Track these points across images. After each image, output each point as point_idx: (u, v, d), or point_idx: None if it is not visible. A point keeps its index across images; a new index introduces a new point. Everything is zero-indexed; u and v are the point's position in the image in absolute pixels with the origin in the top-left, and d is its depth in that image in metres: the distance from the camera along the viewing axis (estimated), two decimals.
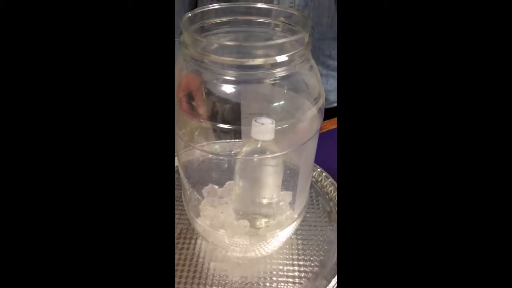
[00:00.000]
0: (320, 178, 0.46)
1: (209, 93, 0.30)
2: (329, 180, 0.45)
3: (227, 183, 0.39)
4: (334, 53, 0.55)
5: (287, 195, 0.38)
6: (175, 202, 0.42)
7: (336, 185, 0.45)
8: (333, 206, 0.43)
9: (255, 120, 0.30)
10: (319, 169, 0.47)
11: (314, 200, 0.44)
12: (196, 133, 0.34)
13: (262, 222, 0.36)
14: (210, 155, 0.41)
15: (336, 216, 0.42)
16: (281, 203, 0.37)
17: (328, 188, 0.45)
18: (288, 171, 0.35)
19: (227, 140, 0.39)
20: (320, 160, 0.48)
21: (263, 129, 0.30)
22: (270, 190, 0.35)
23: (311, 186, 0.46)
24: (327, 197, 0.44)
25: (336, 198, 0.44)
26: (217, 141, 0.36)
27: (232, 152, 0.39)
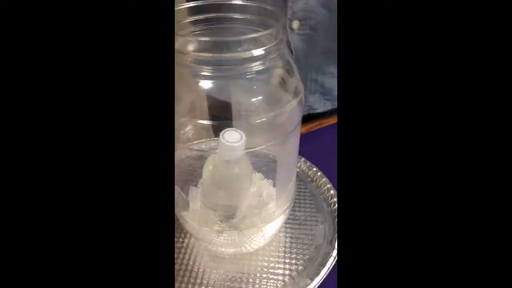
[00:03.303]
0: (315, 177, 0.46)
1: (187, 90, 0.31)
2: (324, 179, 0.45)
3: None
4: (328, 87, 0.55)
5: (272, 190, 0.37)
6: None
7: (331, 185, 0.44)
8: (326, 206, 0.42)
9: (223, 135, 0.30)
10: (314, 168, 0.46)
11: (308, 199, 0.43)
12: (182, 132, 0.35)
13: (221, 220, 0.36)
14: (194, 153, 0.41)
15: (327, 216, 0.41)
16: (264, 197, 0.37)
17: (323, 188, 0.44)
18: (265, 168, 0.35)
19: (213, 138, 0.39)
20: (316, 158, 0.47)
21: (231, 148, 0.29)
22: (228, 194, 0.35)
23: (305, 185, 0.45)
24: (321, 197, 0.44)
25: (330, 198, 0.43)
26: (203, 140, 0.36)
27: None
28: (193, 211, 0.37)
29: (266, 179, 0.41)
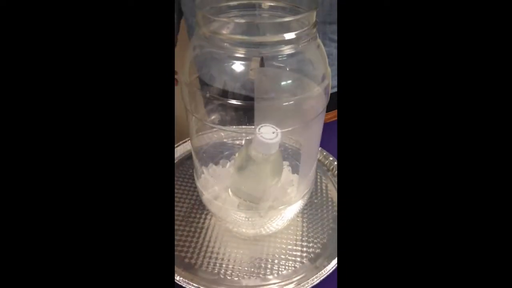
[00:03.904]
0: (332, 167, 0.47)
1: (220, 71, 0.32)
2: None
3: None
4: (331, 37, 0.55)
5: (290, 176, 0.38)
6: (191, 179, 0.45)
7: None
8: None
9: (259, 130, 0.31)
10: (331, 158, 0.47)
11: (324, 188, 0.44)
12: (213, 116, 0.36)
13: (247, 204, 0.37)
14: (217, 141, 0.42)
15: None
16: (283, 182, 0.38)
17: None
18: (290, 150, 0.36)
19: (240, 126, 0.40)
20: (333, 148, 0.48)
21: (267, 144, 0.31)
22: (255, 183, 0.36)
23: (323, 174, 0.46)
24: (337, 185, 0.45)
25: None
26: (231, 127, 0.37)
27: (247, 137, 0.40)
28: (211, 189, 0.38)
29: (284, 165, 0.42)
